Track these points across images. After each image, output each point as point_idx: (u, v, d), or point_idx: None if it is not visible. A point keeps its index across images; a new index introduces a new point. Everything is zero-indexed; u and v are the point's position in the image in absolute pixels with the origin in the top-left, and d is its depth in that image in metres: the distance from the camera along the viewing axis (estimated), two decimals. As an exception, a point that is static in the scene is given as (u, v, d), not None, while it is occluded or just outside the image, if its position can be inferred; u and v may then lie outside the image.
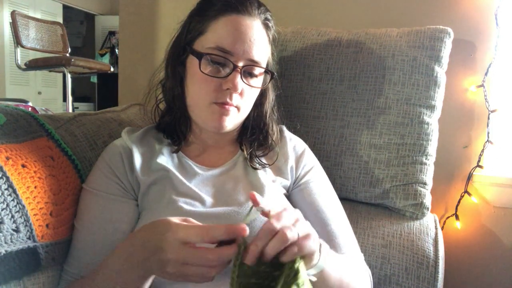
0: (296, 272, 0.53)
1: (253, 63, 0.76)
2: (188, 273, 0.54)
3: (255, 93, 0.81)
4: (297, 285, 0.52)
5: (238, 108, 0.77)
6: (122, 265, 0.60)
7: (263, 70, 0.79)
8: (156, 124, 0.88)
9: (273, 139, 0.85)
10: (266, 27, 0.79)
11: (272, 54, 0.83)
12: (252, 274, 0.54)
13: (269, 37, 0.80)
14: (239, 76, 0.73)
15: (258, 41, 0.76)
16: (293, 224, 0.55)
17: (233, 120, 0.77)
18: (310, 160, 0.88)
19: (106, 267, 0.63)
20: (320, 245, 0.61)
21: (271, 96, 0.87)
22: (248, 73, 0.77)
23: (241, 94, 0.76)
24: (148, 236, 0.58)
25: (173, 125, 0.84)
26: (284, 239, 0.52)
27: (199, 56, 0.75)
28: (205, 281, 0.55)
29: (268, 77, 0.82)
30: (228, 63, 0.74)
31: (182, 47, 0.80)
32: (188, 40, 0.79)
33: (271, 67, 0.84)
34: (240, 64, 0.74)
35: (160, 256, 0.54)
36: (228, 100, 0.74)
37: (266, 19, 0.79)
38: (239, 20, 0.75)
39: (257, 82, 0.79)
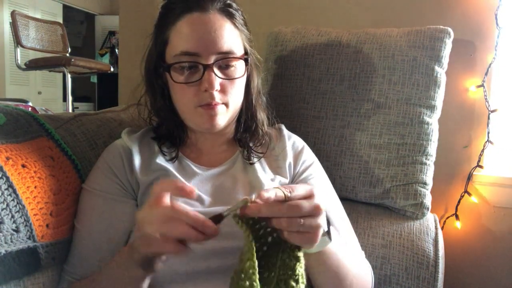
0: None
1: (224, 55, 0.73)
2: (159, 230, 0.51)
3: (239, 83, 0.78)
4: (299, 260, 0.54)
5: (226, 104, 0.76)
6: (121, 261, 0.61)
7: (238, 58, 0.76)
8: (153, 131, 0.86)
9: (261, 127, 0.84)
10: (226, 14, 0.75)
11: (247, 37, 0.80)
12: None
13: (233, 23, 0.76)
14: (212, 74, 0.72)
15: (221, 31, 0.73)
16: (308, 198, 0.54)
17: (224, 117, 0.76)
18: (310, 157, 0.88)
19: (110, 267, 0.65)
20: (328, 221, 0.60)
21: (255, 80, 0.84)
22: (225, 66, 0.75)
23: (223, 89, 0.74)
24: None
25: (169, 135, 0.83)
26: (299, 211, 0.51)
27: (168, 68, 0.74)
28: (176, 251, 0.51)
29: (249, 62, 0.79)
30: (197, 65, 0.73)
31: (154, 62, 0.79)
32: (158, 53, 0.78)
33: (250, 51, 0.81)
34: (210, 61, 0.72)
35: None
36: (210, 100, 0.73)
37: (224, 5, 0.76)
38: (195, 18, 0.73)
39: (237, 71, 0.76)
